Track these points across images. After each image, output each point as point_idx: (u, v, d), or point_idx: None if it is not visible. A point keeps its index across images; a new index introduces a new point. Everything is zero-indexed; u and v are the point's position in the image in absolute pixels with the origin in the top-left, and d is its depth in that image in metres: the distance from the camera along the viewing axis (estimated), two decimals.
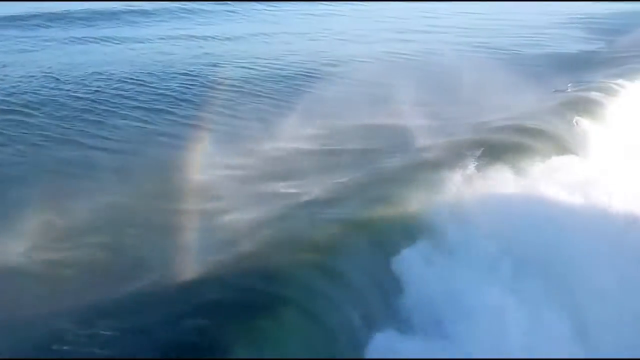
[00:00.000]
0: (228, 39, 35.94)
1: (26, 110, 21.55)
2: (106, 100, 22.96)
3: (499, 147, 18.31)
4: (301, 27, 41.25)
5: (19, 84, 24.73)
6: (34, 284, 11.99)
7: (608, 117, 23.13)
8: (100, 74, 26.50)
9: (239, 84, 25.64)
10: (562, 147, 19.87)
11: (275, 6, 48.64)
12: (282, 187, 16.14)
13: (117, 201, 15.01)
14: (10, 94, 23.26)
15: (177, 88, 25.01)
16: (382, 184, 16.13)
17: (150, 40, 35.29)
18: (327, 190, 15.76)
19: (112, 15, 42.17)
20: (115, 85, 24.84)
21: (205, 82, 25.83)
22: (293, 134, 20.02)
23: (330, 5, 50.26)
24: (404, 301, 12.35)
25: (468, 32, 39.66)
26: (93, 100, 22.84)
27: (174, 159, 17.68)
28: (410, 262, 12.75)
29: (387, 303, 12.41)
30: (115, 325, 10.30)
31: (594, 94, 24.68)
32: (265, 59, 30.48)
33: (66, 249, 13.12)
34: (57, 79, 25.54)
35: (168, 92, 24.44)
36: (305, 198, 15.35)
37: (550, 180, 16.40)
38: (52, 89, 24.20)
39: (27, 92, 23.62)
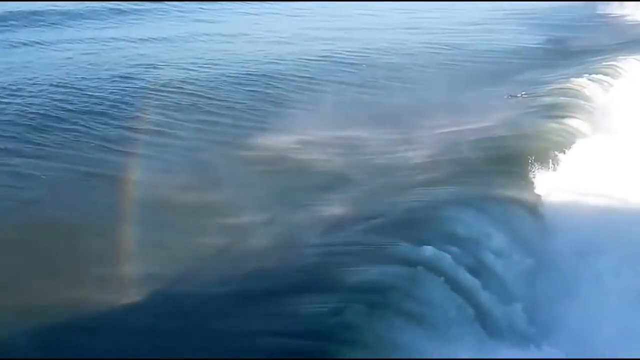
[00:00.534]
0: (164, 40, 33.99)
1: None
2: (40, 108, 20.88)
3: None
4: (239, 27, 39.74)
5: None
6: None
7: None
8: (28, 80, 24.23)
9: (178, 86, 24.23)
10: None
11: (209, 5, 46.94)
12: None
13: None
14: None
15: (112, 92, 23.22)
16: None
17: (79, 42, 32.91)
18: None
19: (32, 16, 39.13)
20: (46, 91, 22.73)
21: (142, 86, 24.13)
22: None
23: (266, 4, 49.05)
24: None
25: (411, 31, 39.34)
26: (23, 108, 20.76)
27: (113, 167, 17.03)
28: None
29: None
30: None
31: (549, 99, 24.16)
32: (205, 60, 28.93)
33: None
34: None
35: (103, 96, 22.68)
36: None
37: None
38: None
39: None
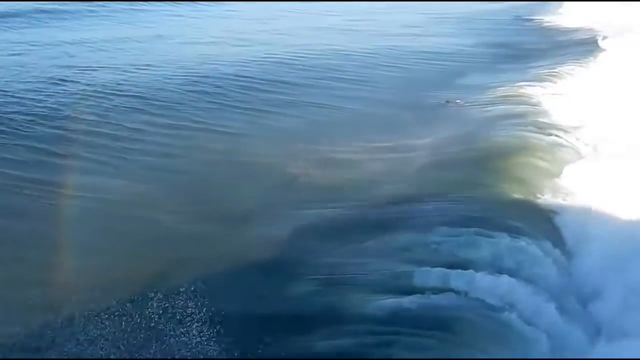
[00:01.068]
0: (95, 41, 32.69)
1: None
2: None
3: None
4: (171, 28, 38.71)
5: None
6: None
7: None
8: None
9: (115, 88, 23.38)
10: None
11: (138, 6, 45.73)
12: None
13: None
14: None
15: (48, 95, 22.24)
16: None
17: (4, 43, 31.38)
18: None
19: None
20: None
21: (78, 89, 23.16)
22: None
23: (197, 4, 48.35)
24: None
25: (344, 33, 38.82)
26: None
27: (47, 171, 16.55)
28: None
29: None
30: None
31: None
32: (141, 62, 28.00)
33: None
34: None
35: (36, 100, 21.64)
36: None
37: None
38: None
39: None
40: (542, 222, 15.00)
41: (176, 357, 10.15)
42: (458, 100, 24.47)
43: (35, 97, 21.78)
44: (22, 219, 14.38)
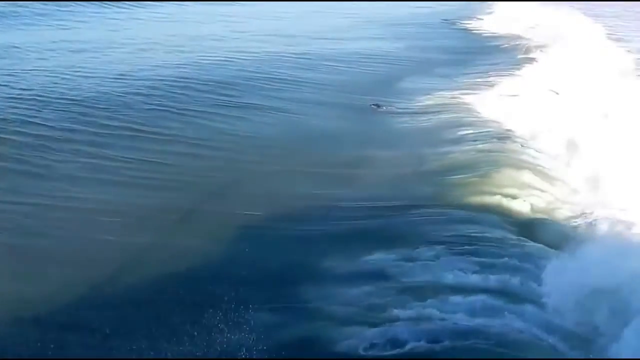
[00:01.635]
0: (19, 47, 31.79)
1: None
2: None
3: None
4: (100, 32, 38.00)
5: None
6: None
7: None
8: None
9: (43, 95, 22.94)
10: None
11: (64, 7, 44.55)
12: None
13: None
14: None
15: None
16: None
17: None
18: None
19: None
20: None
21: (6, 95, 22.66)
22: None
23: (124, 6, 47.59)
24: None
25: (269, 38, 38.61)
26: None
27: None
28: None
29: None
30: None
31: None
32: (75, 69, 27.34)
33: None
34: None
35: None
36: None
37: None
38: None
39: None
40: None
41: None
42: (384, 107, 24.03)
43: None
44: None
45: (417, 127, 22.26)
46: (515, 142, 19.75)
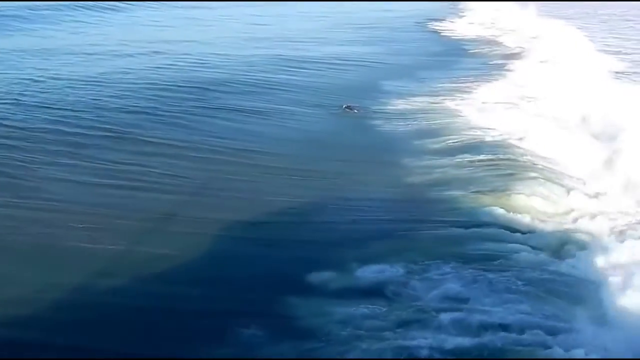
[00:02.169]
0: None
1: None
2: None
3: None
4: (75, 37, 37.66)
5: None
6: None
7: None
8: None
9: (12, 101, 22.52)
10: None
11: (38, 10, 43.89)
12: None
13: None
14: None
15: None
16: None
17: None
18: None
19: None
20: None
21: None
22: None
23: (113, 12, 47.20)
24: None
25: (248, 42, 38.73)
26: None
27: None
28: None
29: None
30: None
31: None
32: (47, 74, 26.95)
33: None
34: None
35: None
36: None
37: None
38: None
39: None
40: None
41: None
42: (356, 109, 23.66)
43: None
44: None
45: (396, 131, 21.77)
46: (505, 150, 19.16)
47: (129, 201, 15.25)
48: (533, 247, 13.29)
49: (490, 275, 11.99)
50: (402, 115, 23.48)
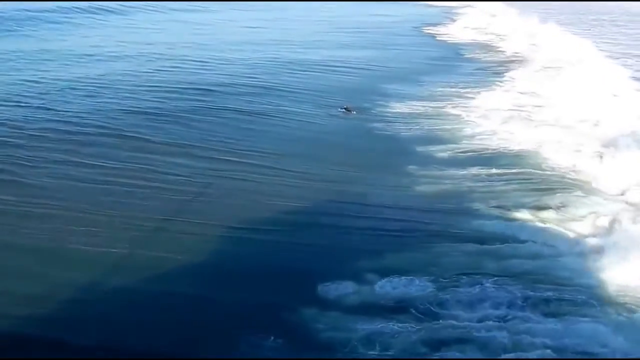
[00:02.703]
0: None
1: None
2: None
3: None
4: (77, 40, 37.57)
5: None
6: None
7: None
8: None
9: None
10: None
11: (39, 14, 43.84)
12: None
13: None
14: None
15: None
16: None
17: None
18: None
19: None
20: None
21: None
22: None
23: (112, 15, 46.97)
24: None
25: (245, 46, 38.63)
26: None
27: None
28: None
29: None
30: None
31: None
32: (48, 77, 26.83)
33: None
34: None
35: None
36: None
37: None
38: None
39: None
40: None
41: None
42: (354, 111, 23.61)
43: None
44: None
45: (400, 136, 21.31)
46: (520, 160, 18.36)
47: (131, 202, 15.08)
48: (567, 264, 12.62)
49: (529, 293, 11.39)
50: (405, 119, 23.23)
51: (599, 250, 12.89)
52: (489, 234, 13.77)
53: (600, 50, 33.79)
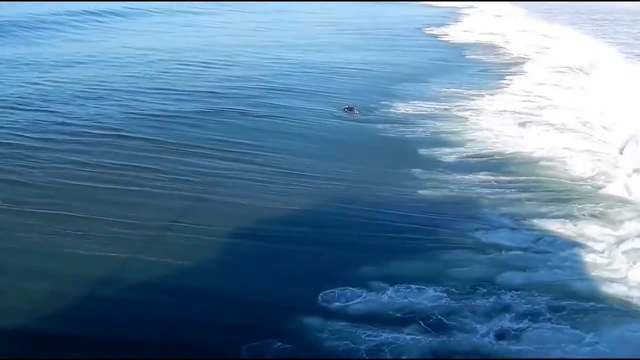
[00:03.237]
0: None
1: None
2: None
3: None
4: (73, 47, 37.59)
5: None
6: None
7: None
8: None
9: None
10: None
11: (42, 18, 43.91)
12: None
13: None
14: None
15: None
16: None
17: None
18: None
19: None
20: None
21: None
22: None
23: (110, 19, 47.13)
24: None
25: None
26: None
27: None
28: None
29: None
30: None
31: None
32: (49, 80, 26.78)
33: None
34: None
35: None
36: None
37: None
38: None
39: None
40: None
41: None
42: (357, 111, 23.28)
43: None
44: None
45: (405, 138, 20.85)
46: (533, 165, 17.75)
47: (132, 206, 14.77)
48: (592, 276, 12.00)
49: (553, 303, 10.85)
50: (409, 120, 22.82)
51: (622, 261, 12.36)
52: (501, 244, 13.20)
53: (618, 52, 33.10)
